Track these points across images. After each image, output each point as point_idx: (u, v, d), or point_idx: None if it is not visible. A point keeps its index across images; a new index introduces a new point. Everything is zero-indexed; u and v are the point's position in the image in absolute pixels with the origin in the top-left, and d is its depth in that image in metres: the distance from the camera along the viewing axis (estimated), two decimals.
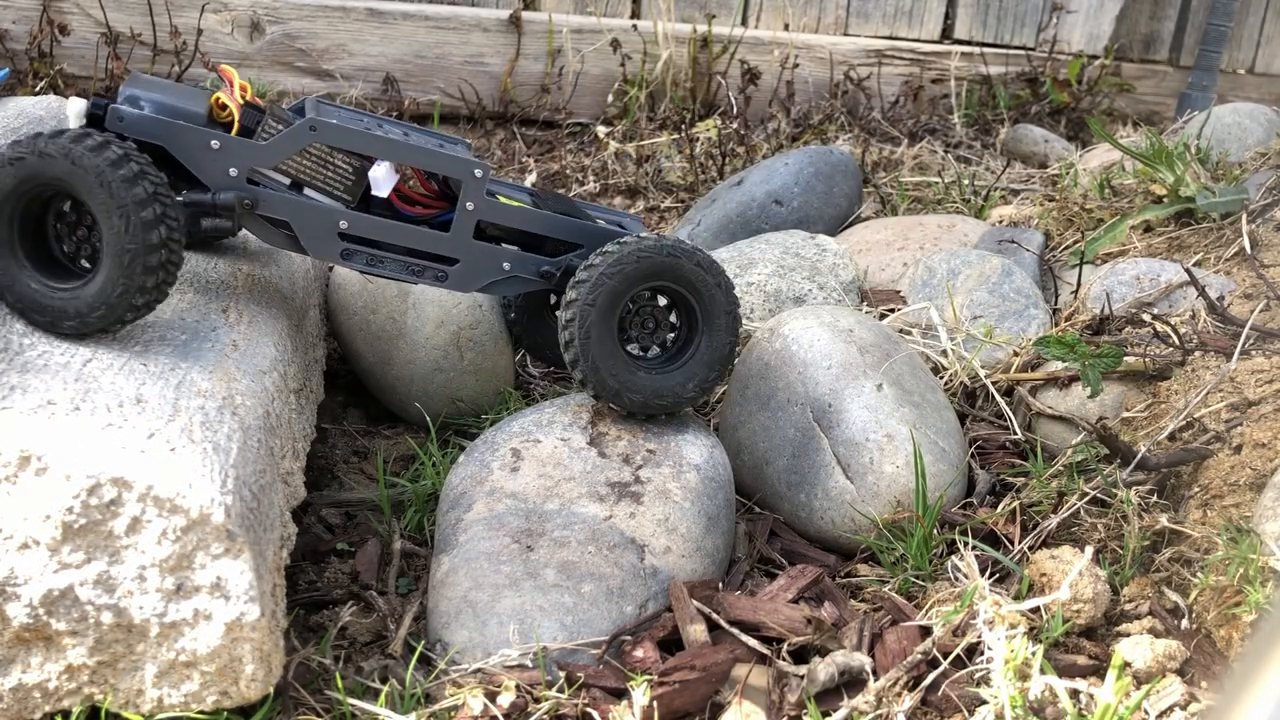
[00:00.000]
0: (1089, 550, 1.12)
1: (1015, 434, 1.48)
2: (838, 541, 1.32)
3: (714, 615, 1.11)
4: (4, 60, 2.37)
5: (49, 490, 0.87)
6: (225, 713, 0.94)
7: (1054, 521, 1.25)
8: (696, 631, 1.08)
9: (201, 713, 0.92)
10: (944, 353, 1.59)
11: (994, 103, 3.01)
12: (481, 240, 1.25)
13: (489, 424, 1.47)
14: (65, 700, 0.91)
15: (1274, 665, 0.48)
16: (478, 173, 1.20)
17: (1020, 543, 1.24)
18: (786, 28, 2.92)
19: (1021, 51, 3.07)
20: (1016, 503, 1.30)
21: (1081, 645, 1.09)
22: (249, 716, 0.97)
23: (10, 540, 0.87)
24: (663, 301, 1.27)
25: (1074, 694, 1.01)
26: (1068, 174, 2.24)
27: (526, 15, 2.68)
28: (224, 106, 1.14)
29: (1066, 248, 1.87)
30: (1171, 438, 1.30)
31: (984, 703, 1.00)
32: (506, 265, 1.26)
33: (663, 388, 1.25)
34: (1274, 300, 1.48)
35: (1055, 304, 1.73)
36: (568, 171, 2.49)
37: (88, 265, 1.05)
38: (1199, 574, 1.10)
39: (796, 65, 2.86)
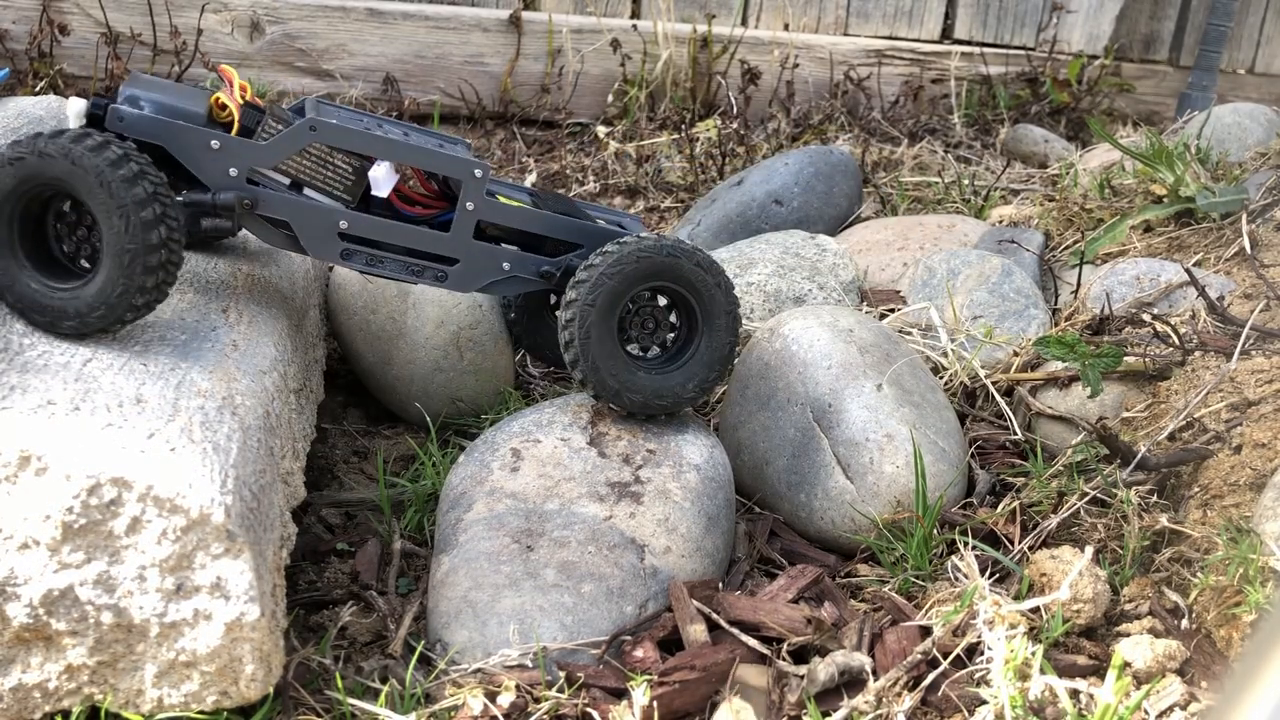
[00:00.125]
0: (1089, 550, 1.12)
1: (1015, 434, 1.48)
2: (838, 541, 1.32)
3: (714, 615, 1.11)
4: (4, 60, 2.37)
5: (49, 490, 0.87)
6: (225, 713, 0.94)
7: (1054, 521, 1.25)
8: (696, 631, 1.08)
9: (201, 713, 0.92)
10: (944, 353, 1.59)
11: (994, 103, 3.01)
12: (481, 240, 1.25)
13: (489, 424, 1.47)
14: (65, 700, 0.91)
15: (1274, 665, 0.48)
16: (477, 173, 1.20)
17: (1020, 543, 1.24)
18: (786, 28, 2.92)
19: (1021, 51, 3.07)
20: (1016, 503, 1.30)
21: (1081, 645, 1.09)
22: (249, 716, 0.97)
23: (10, 540, 0.87)
24: (663, 302, 1.27)
25: (1074, 694, 1.01)
26: (1068, 174, 2.24)
27: (526, 15, 2.68)
28: (224, 106, 1.14)
29: (1066, 248, 1.87)
30: (1171, 438, 1.30)
31: (984, 703, 1.00)
32: (506, 265, 1.26)
33: (663, 388, 1.25)
34: (1274, 300, 1.48)
35: (1055, 304, 1.73)
36: (568, 171, 2.49)
37: (87, 265, 1.05)
38: (1199, 574, 1.10)
39: (796, 65, 2.86)
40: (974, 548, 1.21)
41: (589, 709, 1.01)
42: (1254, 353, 1.36)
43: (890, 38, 3.01)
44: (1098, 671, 1.05)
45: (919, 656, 1.05)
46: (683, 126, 2.59)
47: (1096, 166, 2.28)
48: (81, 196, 1.00)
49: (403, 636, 1.12)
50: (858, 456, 1.31)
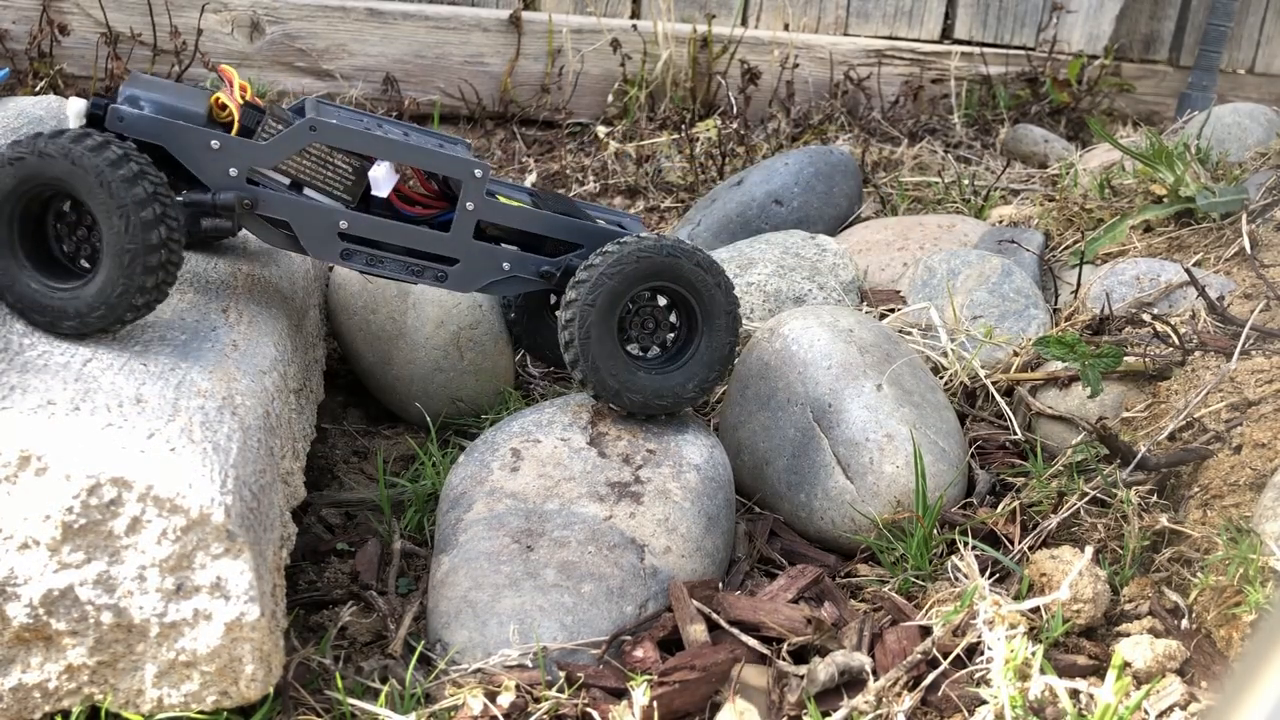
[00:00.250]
0: (1089, 550, 1.12)
1: (1015, 434, 1.48)
2: (838, 541, 1.32)
3: (714, 615, 1.11)
4: (4, 60, 2.37)
5: (49, 490, 0.87)
6: (225, 713, 0.94)
7: (1054, 521, 1.25)
8: (696, 631, 1.08)
9: (201, 713, 0.92)
10: (944, 353, 1.59)
11: (994, 103, 3.01)
12: (481, 240, 1.25)
13: (489, 424, 1.47)
14: (65, 700, 0.91)
15: (1274, 665, 0.48)
16: (477, 173, 1.20)
17: (1020, 543, 1.24)
18: (786, 28, 2.92)
19: (1021, 51, 3.07)
20: (1016, 503, 1.30)
21: (1081, 645, 1.09)
22: (249, 716, 0.97)
23: (10, 540, 0.87)
24: (663, 302, 1.27)
25: (1074, 694, 1.01)
26: (1068, 174, 2.24)
27: (526, 15, 2.68)
28: (224, 106, 1.14)
29: (1066, 248, 1.87)
30: (1171, 438, 1.30)
31: (984, 703, 1.00)
32: (506, 265, 1.26)
33: (663, 388, 1.25)
34: (1274, 300, 1.48)
35: (1055, 304, 1.73)
36: (568, 171, 2.49)
37: (87, 265, 1.05)
38: (1199, 574, 1.10)
39: (796, 65, 2.86)
40: (974, 548, 1.21)
41: (589, 709, 1.01)
42: (1254, 353, 1.36)
43: (890, 38, 3.01)
44: (1098, 671, 1.05)
45: (919, 656, 1.05)
46: (683, 126, 2.59)
47: (1096, 166, 2.28)
48: (81, 196, 1.00)
49: (403, 636, 1.12)
50: (858, 456, 1.31)
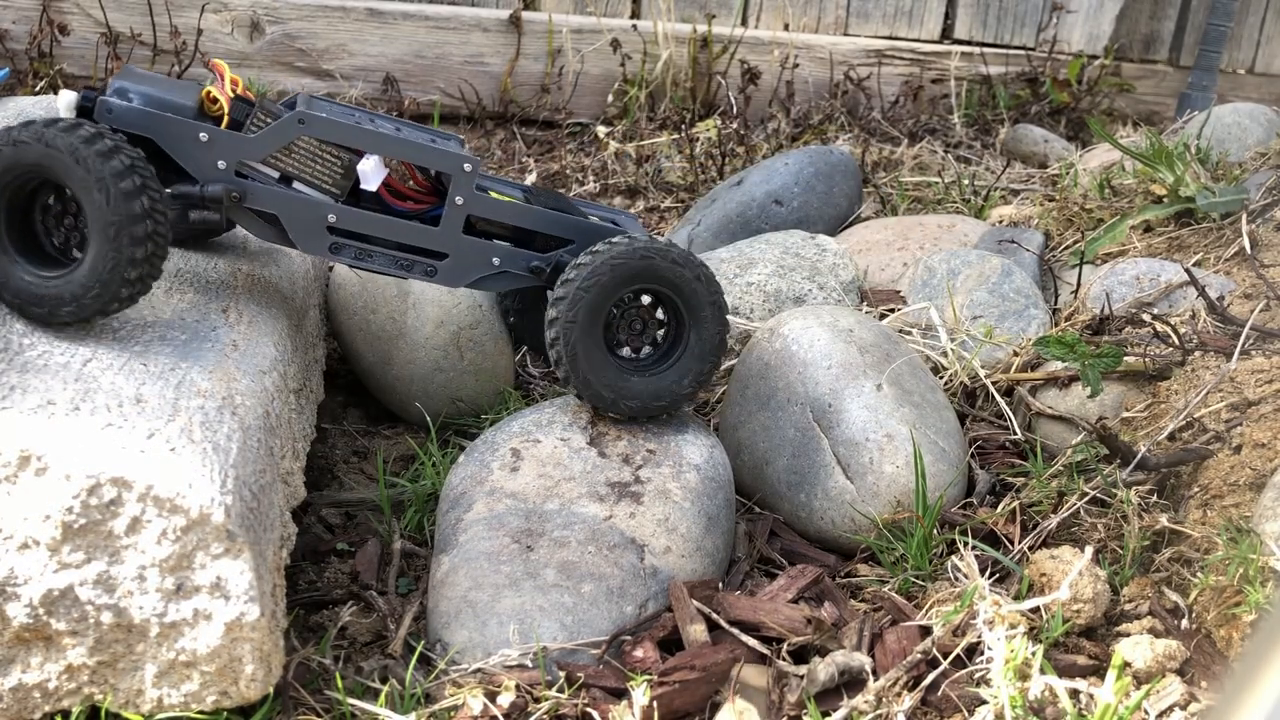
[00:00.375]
0: (1089, 550, 1.12)
1: (1015, 434, 1.48)
2: (838, 541, 1.32)
3: (714, 615, 1.11)
4: (4, 60, 2.37)
5: (49, 490, 0.87)
6: (225, 713, 0.94)
7: (1054, 521, 1.25)
8: (696, 631, 1.08)
9: (201, 713, 0.92)
10: (944, 353, 1.59)
11: (994, 103, 3.01)
12: (473, 235, 1.24)
13: (489, 424, 1.47)
14: (65, 700, 0.91)
15: (1274, 665, 0.48)
16: (467, 167, 1.19)
17: (1020, 543, 1.24)
18: (786, 28, 2.92)
19: (1021, 51, 3.07)
20: (1016, 503, 1.30)
21: (1081, 645, 1.09)
22: (249, 716, 0.97)
23: (10, 540, 0.87)
24: (647, 300, 1.26)
25: (1074, 694, 1.01)
26: (1068, 174, 2.24)
27: (526, 15, 2.68)
28: (215, 100, 1.14)
29: (1066, 248, 1.87)
30: (1171, 438, 1.30)
31: (984, 703, 1.00)
32: (496, 260, 1.25)
33: (659, 388, 1.25)
34: (1274, 300, 1.48)
35: (1055, 304, 1.73)
36: (568, 171, 2.49)
37: (79, 255, 1.05)
38: (1199, 574, 1.10)
39: (796, 65, 2.86)
40: (974, 548, 1.21)
41: (589, 709, 1.01)
42: (1254, 353, 1.36)
43: (890, 38, 3.01)
44: (1098, 671, 1.05)
45: (919, 656, 1.05)
46: (683, 126, 2.59)
47: (1096, 166, 2.28)
48: (61, 179, 1.00)
49: (403, 636, 1.12)
50: (858, 456, 1.30)
